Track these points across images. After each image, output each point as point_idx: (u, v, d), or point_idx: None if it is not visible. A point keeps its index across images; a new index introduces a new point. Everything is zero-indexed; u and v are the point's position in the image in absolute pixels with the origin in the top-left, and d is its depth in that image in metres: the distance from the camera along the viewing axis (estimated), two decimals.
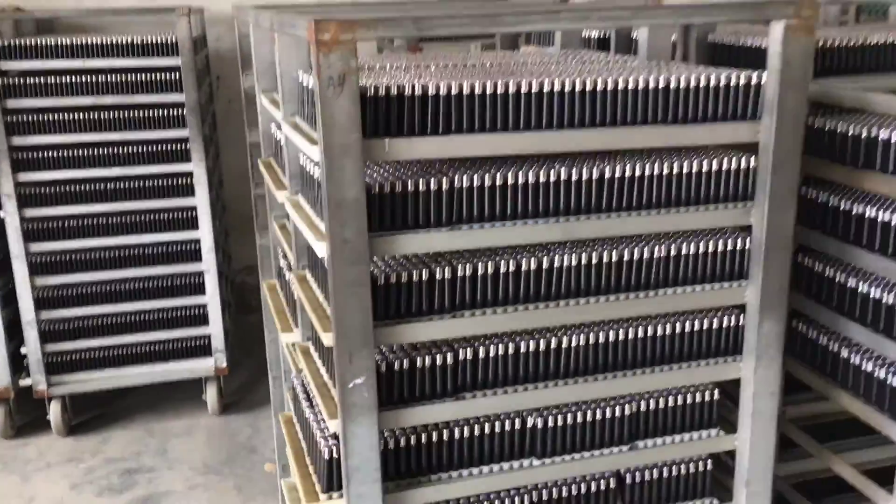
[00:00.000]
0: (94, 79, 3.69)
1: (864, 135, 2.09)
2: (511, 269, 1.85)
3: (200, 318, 4.00)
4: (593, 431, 2.01)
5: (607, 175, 1.86)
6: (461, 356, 1.87)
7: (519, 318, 1.87)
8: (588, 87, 1.80)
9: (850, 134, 2.13)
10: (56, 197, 3.74)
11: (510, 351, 1.90)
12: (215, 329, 4.01)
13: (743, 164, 1.93)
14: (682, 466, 2.11)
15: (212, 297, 3.97)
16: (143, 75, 3.73)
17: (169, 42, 3.72)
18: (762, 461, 2.09)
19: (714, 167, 1.92)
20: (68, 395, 3.94)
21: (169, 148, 3.81)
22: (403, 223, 1.76)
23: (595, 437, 2.01)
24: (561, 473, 2.01)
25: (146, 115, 3.76)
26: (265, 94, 2.61)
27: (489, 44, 4.24)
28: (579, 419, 1.98)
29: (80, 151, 3.72)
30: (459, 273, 1.82)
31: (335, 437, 1.87)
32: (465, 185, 1.78)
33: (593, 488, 2.05)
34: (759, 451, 2.08)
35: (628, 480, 2.08)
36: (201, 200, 3.86)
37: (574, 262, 1.88)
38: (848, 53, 2.48)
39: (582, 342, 1.94)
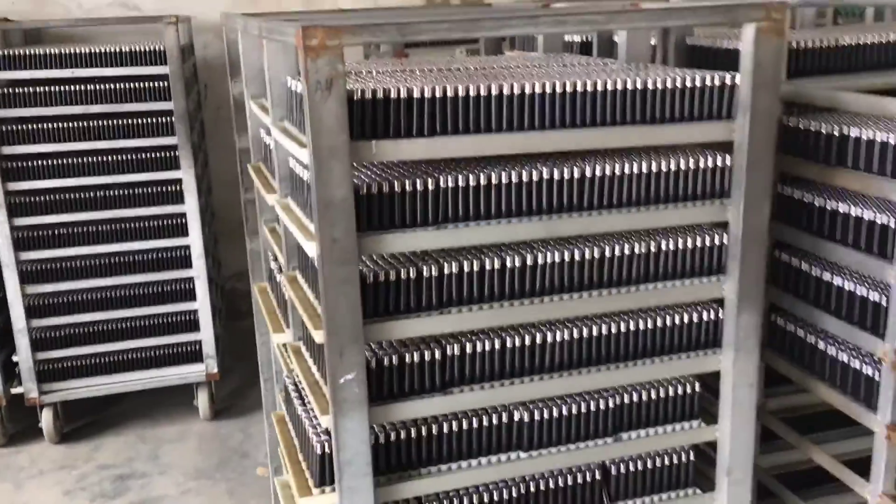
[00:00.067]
0: (82, 88, 3.73)
1: (836, 133, 2.16)
2: (496, 266, 1.90)
3: (191, 324, 4.04)
4: (578, 424, 2.06)
5: (588, 174, 1.92)
6: (449, 352, 1.91)
7: (504, 314, 1.92)
8: (568, 90, 1.85)
9: (822, 132, 2.20)
10: (46, 205, 3.76)
11: (496, 346, 1.94)
12: (206, 335, 4.04)
13: (719, 163, 1.99)
14: (666, 457, 2.16)
15: (202, 304, 4.01)
16: (132, 84, 3.77)
17: (157, 51, 3.76)
18: (743, 451, 2.15)
19: (691, 166, 1.98)
20: (60, 402, 3.96)
21: (158, 156, 3.85)
22: (391, 223, 1.81)
23: (580, 429, 2.06)
24: (547, 465, 2.06)
25: (135, 123, 3.80)
26: (254, 100, 2.66)
27: (473, 49, 4.30)
28: (564, 412, 2.04)
29: (70, 160, 3.76)
30: (446, 271, 1.87)
31: (327, 432, 1.91)
32: (450, 186, 1.83)
33: (579, 480, 2.10)
34: (740, 440, 2.13)
35: (613, 472, 2.13)
36: (191, 207, 3.90)
37: (557, 260, 1.93)
38: (821, 55, 2.54)
39: (566, 337, 1.99)
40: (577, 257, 1.95)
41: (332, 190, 1.69)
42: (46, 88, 3.70)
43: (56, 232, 3.79)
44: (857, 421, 2.19)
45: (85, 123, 3.75)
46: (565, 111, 1.86)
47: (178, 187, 3.88)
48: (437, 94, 1.77)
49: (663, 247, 2.01)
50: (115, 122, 3.78)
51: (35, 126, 3.70)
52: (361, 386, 1.80)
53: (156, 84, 3.78)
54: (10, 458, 3.87)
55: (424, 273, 1.86)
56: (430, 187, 1.82)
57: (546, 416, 2.02)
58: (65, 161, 3.75)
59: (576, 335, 2.00)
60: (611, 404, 2.07)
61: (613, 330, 2.02)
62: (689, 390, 2.13)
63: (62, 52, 3.71)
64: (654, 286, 2.02)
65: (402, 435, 1.94)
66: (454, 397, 1.93)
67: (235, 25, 2.60)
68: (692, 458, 2.19)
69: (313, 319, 1.88)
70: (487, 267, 1.89)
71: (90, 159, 3.77)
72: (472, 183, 1.84)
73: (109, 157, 3.80)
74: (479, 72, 2.19)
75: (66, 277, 3.84)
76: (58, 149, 3.74)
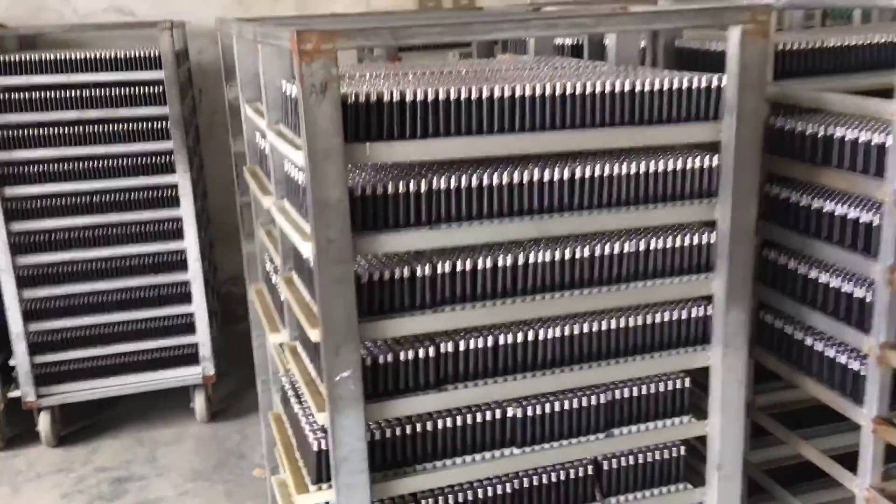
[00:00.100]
0: (78, 93, 3.74)
1: (821, 133, 2.20)
2: (488, 265, 1.93)
3: (188, 327, 4.05)
4: (570, 420, 2.09)
5: (578, 175, 1.95)
6: (442, 349, 1.95)
7: (497, 312, 1.96)
8: (558, 92, 1.89)
9: (808, 133, 2.24)
10: (43, 210, 3.78)
11: (489, 344, 1.98)
12: (202, 337, 4.06)
13: (706, 163, 2.03)
14: (657, 453, 2.20)
15: (198, 307, 4.03)
16: (127, 89, 3.79)
17: (152, 56, 3.78)
18: (732, 445, 2.18)
19: (679, 166, 2.01)
20: (57, 405, 3.97)
21: (154, 160, 3.86)
22: (385, 223, 1.84)
23: (572, 425, 2.09)
24: (540, 461, 2.09)
25: (130, 128, 3.81)
26: (249, 104, 2.68)
27: (466, 52, 4.33)
28: (557, 408, 2.07)
29: (66, 165, 3.77)
30: (439, 270, 1.90)
31: (323, 429, 1.94)
32: (443, 187, 1.87)
33: (572, 475, 2.14)
34: (730, 435, 2.17)
35: (605, 467, 2.16)
36: (186, 211, 3.92)
37: (548, 258, 1.97)
38: (807, 56, 2.58)
39: (558, 334, 2.02)
40: (567, 256, 1.98)
41: (327, 191, 1.72)
42: (42, 94, 3.71)
43: (53, 236, 3.81)
44: (845, 415, 2.23)
45: (81, 128, 3.76)
46: (556, 113, 1.90)
47: (173, 192, 3.90)
48: (430, 97, 1.80)
49: (652, 245, 2.04)
50: (110, 127, 3.79)
51: (31, 131, 3.71)
52: (357, 383, 1.83)
53: (151, 89, 3.80)
54: (8, 461, 3.88)
55: (418, 272, 1.89)
56: (424, 188, 1.85)
57: (539, 412, 2.06)
58: (61, 166, 3.76)
59: (567, 332, 2.03)
60: (602, 400, 2.10)
61: (604, 327, 2.06)
62: (679, 386, 2.17)
63: (58, 57, 3.73)
64: (643, 284, 2.05)
65: (398, 432, 1.97)
66: (448, 394, 1.97)
67: (230, 30, 2.63)
68: (683, 453, 2.22)
69: (310, 319, 1.91)
70: (480, 266, 1.93)
71: (86, 164, 3.79)
72: (464, 184, 1.88)
73: (105, 162, 3.81)
74: (472, 75, 2.22)
75: (63, 281, 3.85)
76: (54, 154, 3.75)
